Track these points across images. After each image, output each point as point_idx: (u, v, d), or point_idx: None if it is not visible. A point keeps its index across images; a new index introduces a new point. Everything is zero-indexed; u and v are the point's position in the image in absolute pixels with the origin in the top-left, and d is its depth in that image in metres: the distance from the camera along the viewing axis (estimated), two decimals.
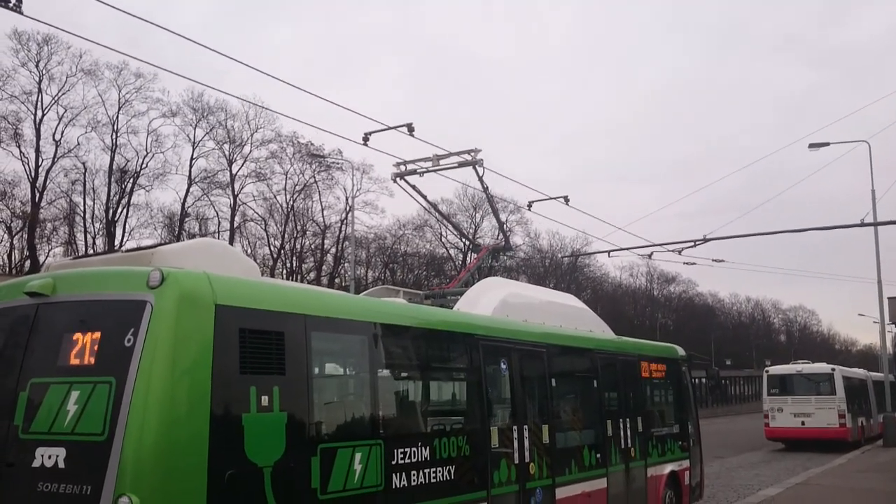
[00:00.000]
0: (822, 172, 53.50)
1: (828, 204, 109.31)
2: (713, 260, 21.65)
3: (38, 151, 42.38)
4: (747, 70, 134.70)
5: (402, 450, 6.56)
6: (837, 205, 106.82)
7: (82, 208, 45.48)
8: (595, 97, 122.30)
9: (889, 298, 28.48)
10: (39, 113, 42.18)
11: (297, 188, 52.40)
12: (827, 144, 26.16)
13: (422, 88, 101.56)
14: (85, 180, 44.97)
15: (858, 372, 33.76)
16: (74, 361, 5.12)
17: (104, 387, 4.86)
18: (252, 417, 5.22)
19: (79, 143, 43.82)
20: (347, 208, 49.01)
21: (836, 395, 27.43)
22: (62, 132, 43.17)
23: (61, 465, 4.80)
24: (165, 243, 7.26)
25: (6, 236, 43.58)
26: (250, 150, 50.25)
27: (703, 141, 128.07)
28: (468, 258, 50.79)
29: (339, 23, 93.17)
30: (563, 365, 9.86)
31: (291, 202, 52.54)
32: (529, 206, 16.90)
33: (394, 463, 6.45)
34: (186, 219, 49.08)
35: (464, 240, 49.00)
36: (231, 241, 47.10)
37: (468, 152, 11.74)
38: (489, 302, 9.10)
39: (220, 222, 50.74)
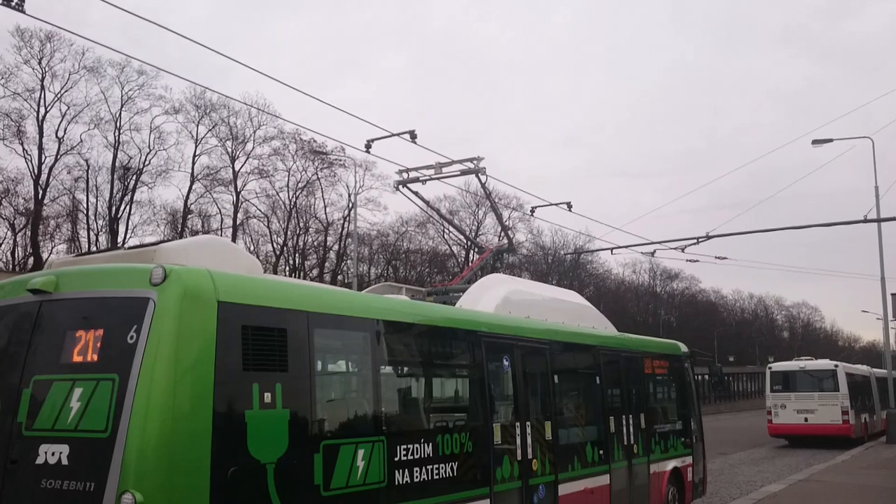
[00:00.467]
0: (826, 169, 53.52)
1: (831, 200, 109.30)
2: (716, 257, 21.68)
3: (41, 149, 42.48)
4: (750, 65, 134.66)
5: (404, 446, 6.56)
6: (841, 201, 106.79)
7: (85, 205, 45.64)
8: (598, 92, 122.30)
9: (892, 295, 28.43)
10: (42, 110, 42.31)
11: (300, 185, 52.49)
12: (830, 140, 26.13)
13: (425, 83, 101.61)
14: (88, 177, 45.12)
15: (861, 368, 33.70)
16: (77, 358, 5.13)
17: (107, 384, 4.87)
18: (255, 414, 5.22)
19: (81, 141, 43.96)
20: (350, 205, 49.15)
21: (839, 391, 27.39)
22: (65, 129, 43.30)
23: (65, 462, 4.81)
24: (168, 240, 7.27)
25: (9, 233, 43.73)
26: (253, 147, 50.37)
27: (706, 136, 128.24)
28: (471, 255, 50.77)
29: (342, 18, 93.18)
30: (565, 362, 9.86)
31: (294, 199, 52.63)
32: (532, 211, 16.91)
33: (396, 460, 6.44)
34: (189, 216, 49.14)
35: (466, 240, 48.99)
36: (234, 238, 47.17)
37: (471, 160, 11.70)
38: (492, 299, 9.10)
39: (222, 219, 50.87)
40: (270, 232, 52.94)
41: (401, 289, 9.60)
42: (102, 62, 42.66)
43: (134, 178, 46.11)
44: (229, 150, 49.49)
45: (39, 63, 41.40)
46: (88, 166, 44.77)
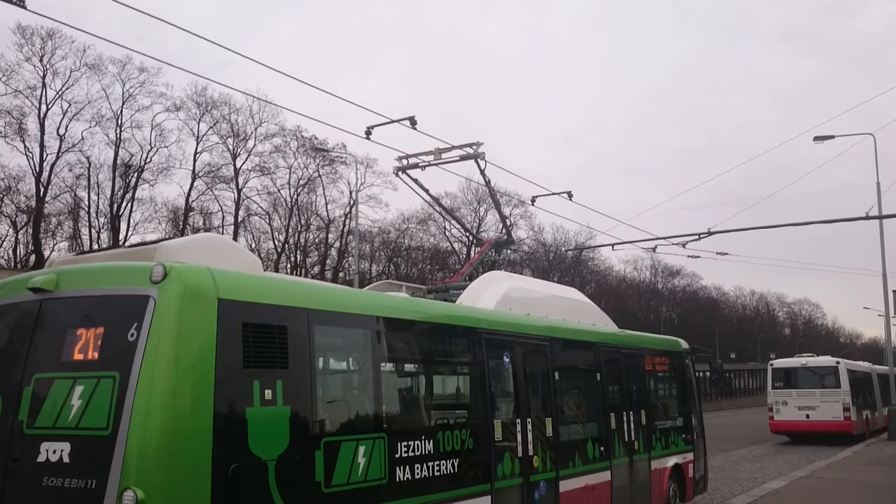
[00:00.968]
0: (828, 165, 53.36)
1: (833, 197, 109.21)
2: (717, 253, 21.62)
3: (42, 146, 42.53)
4: (752, 64, 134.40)
5: (405, 443, 6.57)
6: (843, 197, 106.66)
7: (86, 203, 45.69)
8: (598, 91, 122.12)
9: (894, 291, 28.40)
10: (44, 108, 42.35)
11: (301, 182, 52.49)
12: (832, 137, 26.06)
13: (426, 81, 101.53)
14: (89, 175, 45.15)
15: (863, 365, 33.69)
16: (78, 356, 5.14)
17: (108, 381, 4.88)
18: (255, 411, 5.23)
19: (83, 138, 44.00)
20: (351, 202, 49.15)
21: (840, 388, 27.38)
22: (66, 127, 43.33)
23: (66, 459, 4.82)
24: (169, 238, 7.28)
25: (11, 231, 43.76)
26: (254, 145, 50.38)
27: (707, 135, 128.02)
28: (472, 252, 50.77)
29: (343, 17, 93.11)
30: (566, 358, 9.86)
31: (295, 196, 52.64)
32: (533, 200, 16.90)
33: (397, 456, 6.45)
34: (191, 213, 49.17)
35: (467, 234, 49.02)
36: (235, 236, 47.21)
37: (470, 145, 11.74)
38: (492, 296, 9.10)
39: (224, 217, 50.90)
40: (272, 229, 53.02)
41: (401, 286, 9.61)
42: (103, 59, 42.78)
43: (135, 175, 46.16)
44: (230, 147, 49.56)
45: (41, 60, 41.47)
46: (90, 164, 44.86)
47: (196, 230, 46.61)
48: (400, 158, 11.98)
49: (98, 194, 46.05)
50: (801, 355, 31.32)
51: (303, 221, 53.86)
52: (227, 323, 5.18)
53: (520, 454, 8.11)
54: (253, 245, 50.65)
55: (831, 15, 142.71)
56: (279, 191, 52.29)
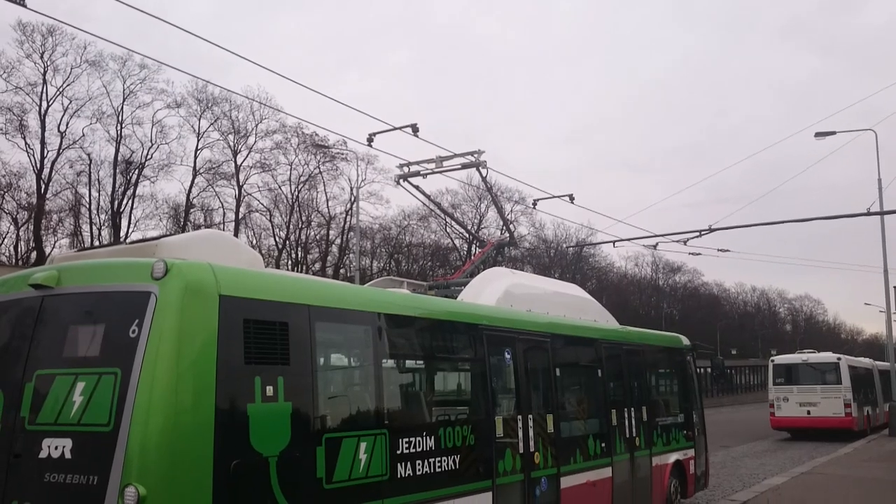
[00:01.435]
0: (829, 161, 53.36)
1: (834, 193, 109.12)
2: (718, 250, 21.57)
3: (43, 143, 42.56)
4: (753, 59, 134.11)
5: (406, 439, 6.57)
6: (844, 194, 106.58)
7: (88, 200, 45.72)
8: (600, 87, 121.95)
9: (895, 287, 28.37)
10: (44, 104, 42.38)
11: (302, 179, 52.49)
12: (833, 133, 26.00)
13: (427, 79, 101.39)
14: (90, 171, 45.19)
15: (864, 361, 33.69)
16: (80, 353, 5.16)
17: (109, 378, 4.88)
18: (257, 407, 5.23)
19: (84, 135, 44.04)
20: (352, 199, 49.14)
21: (841, 384, 27.38)
22: (67, 123, 43.37)
23: (68, 455, 4.83)
24: (170, 234, 7.28)
25: (12, 228, 43.80)
26: (255, 141, 50.38)
27: (709, 131, 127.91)
28: (473, 249, 50.77)
29: (345, 15, 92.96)
30: (567, 355, 9.86)
31: (296, 193, 52.64)
32: (534, 204, 16.88)
33: (399, 453, 6.46)
34: (191, 210, 49.21)
35: (468, 234, 48.99)
36: (236, 232, 47.22)
37: (471, 153, 11.69)
38: (493, 292, 9.10)
39: (225, 213, 50.94)
40: (273, 226, 53.05)
41: (402, 283, 9.61)
42: (104, 56, 42.81)
43: (136, 172, 46.20)
44: (231, 143, 49.58)
45: (41, 57, 41.51)
46: (91, 160, 44.90)
47: (197, 227, 46.62)
48: (401, 166, 11.96)
49: (99, 191, 46.16)
50: (802, 351, 31.30)
51: (304, 218, 53.90)
52: (229, 319, 5.18)
53: (521, 450, 8.11)
54: (254, 242, 50.68)
55: (832, 11, 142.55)
56: (280, 187, 52.38)
